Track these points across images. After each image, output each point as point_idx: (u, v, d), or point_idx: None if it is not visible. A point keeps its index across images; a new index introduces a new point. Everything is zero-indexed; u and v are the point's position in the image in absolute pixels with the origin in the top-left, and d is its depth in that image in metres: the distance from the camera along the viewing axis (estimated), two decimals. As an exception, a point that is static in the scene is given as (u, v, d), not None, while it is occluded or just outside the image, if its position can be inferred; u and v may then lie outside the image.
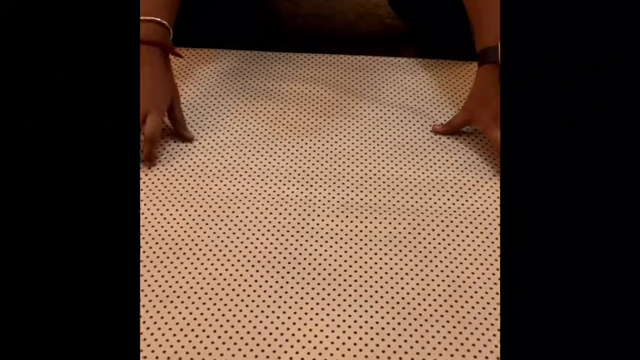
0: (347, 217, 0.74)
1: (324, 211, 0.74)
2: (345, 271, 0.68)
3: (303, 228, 0.72)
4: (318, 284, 0.67)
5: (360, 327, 0.63)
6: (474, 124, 0.85)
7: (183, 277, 0.67)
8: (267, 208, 0.74)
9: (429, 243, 0.72)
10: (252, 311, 0.64)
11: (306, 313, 0.64)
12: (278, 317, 0.64)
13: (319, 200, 0.76)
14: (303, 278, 0.67)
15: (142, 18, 0.78)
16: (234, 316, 0.64)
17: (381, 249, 0.71)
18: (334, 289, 0.67)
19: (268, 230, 0.72)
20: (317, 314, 0.64)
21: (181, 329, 0.63)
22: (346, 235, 0.72)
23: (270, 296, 0.66)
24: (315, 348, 0.61)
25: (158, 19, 0.80)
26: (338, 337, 0.62)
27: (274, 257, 0.69)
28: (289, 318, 0.64)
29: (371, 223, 0.73)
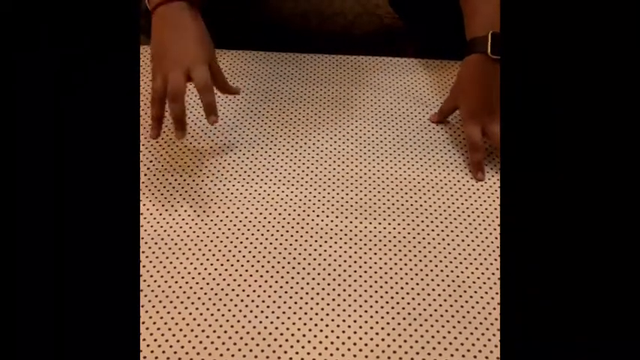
0: (346, 217, 0.74)
1: (323, 211, 0.74)
2: (345, 271, 0.68)
3: (302, 228, 0.72)
4: (318, 284, 0.67)
5: (360, 327, 0.63)
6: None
7: (183, 278, 0.67)
8: (266, 209, 0.74)
9: (429, 243, 0.71)
10: (251, 311, 0.64)
11: (305, 313, 0.64)
12: (278, 317, 0.64)
13: (319, 200, 0.76)
14: (303, 278, 0.67)
15: None
16: (234, 316, 0.64)
17: (380, 249, 0.70)
18: (334, 290, 0.67)
19: (268, 230, 0.72)
20: (317, 314, 0.64)
21: (181, 330, 0.63)
22: (345, 235, 0.72)
23: (269, 296, 0.66)
24: (314, 348, 0.61)
25: None
26: (338, 337, 0.62)
27: (274, 257, 0.69)
28: (289, 318, 0.64)
29: (370, 223, 0.73)
